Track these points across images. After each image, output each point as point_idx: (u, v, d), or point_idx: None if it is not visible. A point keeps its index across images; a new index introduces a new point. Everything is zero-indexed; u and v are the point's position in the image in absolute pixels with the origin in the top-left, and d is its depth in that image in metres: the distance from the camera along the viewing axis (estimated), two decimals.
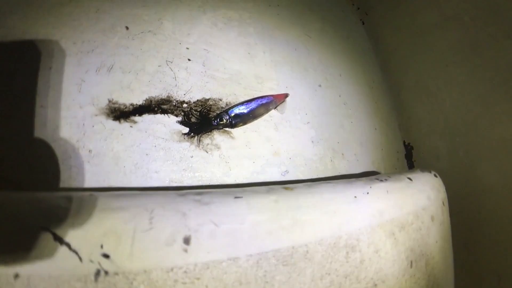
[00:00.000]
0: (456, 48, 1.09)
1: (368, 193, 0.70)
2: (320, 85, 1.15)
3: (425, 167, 0.97)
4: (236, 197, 0.56)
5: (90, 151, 0.72)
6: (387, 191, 0.74)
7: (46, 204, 0.47)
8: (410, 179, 0.84)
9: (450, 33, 1.10)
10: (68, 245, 0.42)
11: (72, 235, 0.43)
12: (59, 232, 0.43)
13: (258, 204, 0.56)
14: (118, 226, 0.45)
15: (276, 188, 0.63)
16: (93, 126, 0.74)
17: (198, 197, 0.53)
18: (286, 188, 0.63)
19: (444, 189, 0.91)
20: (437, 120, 1.20)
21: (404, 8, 1.29)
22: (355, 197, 0.68)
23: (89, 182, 0.70)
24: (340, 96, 1.19)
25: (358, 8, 1.54)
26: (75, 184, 0.69)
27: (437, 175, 0.92)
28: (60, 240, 0.42)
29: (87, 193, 0.50)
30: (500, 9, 0.95)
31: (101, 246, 0.43)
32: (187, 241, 0.47)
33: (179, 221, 0.48)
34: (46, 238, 0.42)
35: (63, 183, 0.68)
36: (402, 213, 0.74)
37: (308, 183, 0.70)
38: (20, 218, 0.44)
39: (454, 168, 1.12)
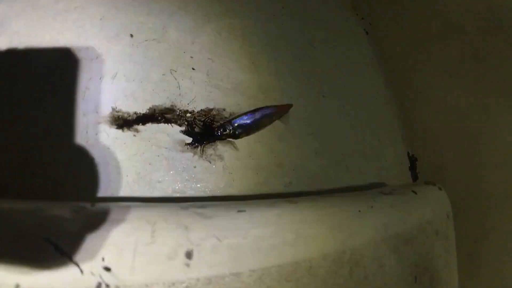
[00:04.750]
0: (459, 58, 1.08)
1: (372, 207, 0.69)
2: (324, 96, 1.14)
3: (429, 179, 0.96)
4: (239, 211, 0.55)
5: (92, 159, 0.71)
6: (392, 205, 0.74)
7: (48, 214, 0.46)
8: (414, 192, 0.83)
9: (453, 43, 1.10)
10: (70, 257, 0.42)
11: (74, 247, 0.42)
12: (60, 243, 0.42)
13: (261, 218, 0.55)
14: (120, 238, 0.45)
15: (279, 201, 0.62)
16: (96, 134, 0.73)
17: (200, 210, 0.53)
18: (290, 202, 0.62)
19: (449, 202, 0.90)
20: (440, 131, 1.19)
21: (407, 19, 1.28)
22: (360, 211, 0.67)
23: (91, 191, 0.70)
24: (344, 107, 1.18)
25: (362, 18, 1.52)
26: (77, 192, 0.69)
27: (441, 187, 0.91)
28: (61, 252, 0.42)
29: (89, 204, 0.50)
30: (503, 19, 0.94)
31: (103, 259, 0.43)
32: (189, 255, 0.46)
33: (182, 234, 0.48)
34: (48, 249, 0.41)
35: (66, 191, 0.68)
36: (407, 227, 0.73)
37: (312, 196, 0.69)
38: (21, 228, 0.43)
39: (458, 179, 1.10)
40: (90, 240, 0.44)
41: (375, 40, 1.47)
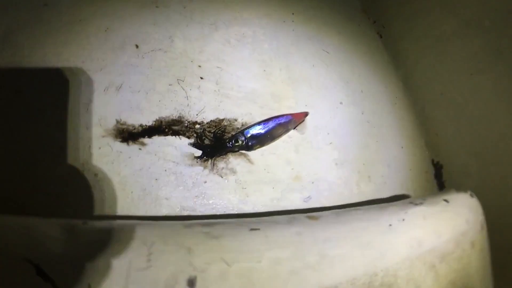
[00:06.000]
0: (479, 55, 1.04)
1: (404, 219, 0.63)
2: (341, 103, 1.10)
3: (457, 187, 0.90)
4: (252, 229, 0.50)
5: (96, 174, 0.69)
6: (424, 217, 0.67)
7: (34, 232, 0.43)
8: (446, 201, 0.76)
9: (471, 40, 1.06)
10: (53, 282, 0.37)
11: (58, 270, 0.39)
12: (43, 265, 0.38)
13: (278, 238, 0.50)
14: (110, 262, 0.40)
15: (299, 217, 0.57)
16: (99, 148, 0.72)
17: (207, 229, 0.48)
18: (310, 218, 0.57)
19: (482, 211, 0.83)
20: (465, 135, 1.14)
21: (421, 18, 1.25)
22: (390, 225, 0.60)
23: (94, 209, 0.67)
24: (363, 113, 1.14)
25: (375, 22, 1.50)
26: (79, 209, 0.67)
27: (473, 195, 0.85)
28: (43, 276, 0.37)
29: (80, 221, 0.46)
30: None
31: (89, 286, 0.38)
32: (191, 283, 0.41)
33: (183, 258, 0.43)
34: (29, 272, 0.37)
35: (66, 208, 0.66)
36: (441, 241, 0.66)
37: (335, 210, 0.64)
38: (3, 246, 0.40)
39: (485, 186, 1.05)
40: (77, 263, 0.40)
41: (390, 43, 1.44)
